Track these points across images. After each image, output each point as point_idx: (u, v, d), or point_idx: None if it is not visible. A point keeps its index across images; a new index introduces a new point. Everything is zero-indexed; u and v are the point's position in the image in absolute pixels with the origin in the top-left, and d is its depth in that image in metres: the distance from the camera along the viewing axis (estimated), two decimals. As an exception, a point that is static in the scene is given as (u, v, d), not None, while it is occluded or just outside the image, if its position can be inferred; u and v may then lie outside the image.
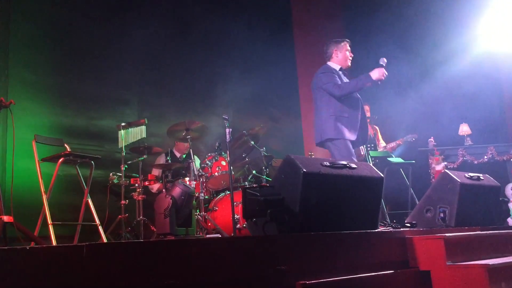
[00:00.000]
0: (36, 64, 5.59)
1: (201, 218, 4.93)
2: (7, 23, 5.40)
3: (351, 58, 4.60)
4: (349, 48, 4.61)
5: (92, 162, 4.36)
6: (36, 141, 4.21)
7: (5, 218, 3.20)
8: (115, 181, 5.05)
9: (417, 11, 7.31)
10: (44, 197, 4.01)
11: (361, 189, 3.02)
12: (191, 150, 5.27)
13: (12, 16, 5.44)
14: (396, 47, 6.67)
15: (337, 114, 4.37)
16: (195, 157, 5.56)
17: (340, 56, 4.57)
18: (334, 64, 4.59)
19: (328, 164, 2.89)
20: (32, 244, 3.37)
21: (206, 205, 5.17)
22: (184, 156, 5.99)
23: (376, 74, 4.28)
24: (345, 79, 4.53)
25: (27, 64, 5.50)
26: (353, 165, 3.02)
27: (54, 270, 1.63)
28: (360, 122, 4.43)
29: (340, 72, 4.54)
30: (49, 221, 3.89)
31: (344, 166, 2.96)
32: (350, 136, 4.34)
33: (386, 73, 4.30)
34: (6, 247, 2.33)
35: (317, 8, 8.43)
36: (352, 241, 2.58)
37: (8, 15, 5.41)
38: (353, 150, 4.32)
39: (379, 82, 4.30)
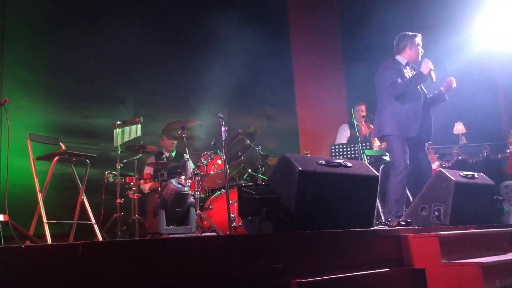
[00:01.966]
0: (31, 62, 5.57)
1: (196, 217, 4.92)
2: (1, 21, 5.37)
3: (421, 54, 4.52)
4: (420, 43, 4.53)
5: (88, 160, 4.36)
6: (31, 140, 4.20)
7: (0, 217, 3.19)
8: (111, 179, 5.04)
9: (411, 11, 7.32)
10: (39, 196, 4.00)
11: (356, 188, 3.03)
12: (187, 149, 5.26)
13: (6, 15, 5.41)
14: (390, 47, 6.67)
15: (395, 110, 4.35)
16: (185, 155, 5.57)
17: (413, 51, 4.51)
18: (402, 58, 4.53)
19: (323, 162, 2.90)
20: (27, 243, 3.36)
21: (202, 203, 5.17)
22: (173, 154, 5.97)
23: (426, 68, 4.25)
24: (410, 73, 4.47)
25: (22, 63, 5.48)
26: (349, 164, 3.03)
27: (50, 268, 1.63)
28: (423, 117, 4.36)
29: (408, 67, 4.48)
30: (44, 219, 3.88)
31: (340, 164, 2.97)
32: (408, 133, 4.30)
33: (431, 63, 4.27)
34: (1, 246, 2.33)
35: (313, 5, 8.44)
36: (347, 239, 2.59)
37: (2, 14, 5.38)
38: (403, 150, 4.27)
39: (432, 75, 4.25)
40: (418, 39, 4.54)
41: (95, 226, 4.26)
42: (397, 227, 3.34)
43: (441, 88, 4.53)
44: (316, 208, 2.80)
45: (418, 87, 4.38)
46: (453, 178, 3.66)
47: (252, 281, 2.11)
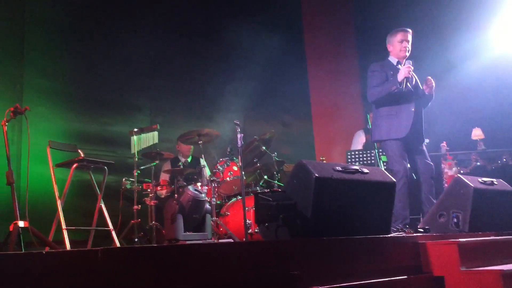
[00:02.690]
0: (51, 71, 5.66)
1: (213, 223, 4.94)
2: (22, 31, 5.48)
3: (405, 48, 4.36)
4: (402, 38, 4.38)
5: (106, 167, 4.40)
6: (50, 147, 4.26)
7: (21, 223, 3.24)
8: (128, 186, 5.08)
9: (427, 15, 7.28)
10: (58, 203, 4.05)
11: (373, 194, 3.01)
12: (202, 155, 5.29)
13: (26, 24, 5.52)
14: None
15: (385, 113, 4.31)
16: (201, 160, 5.59)
17: (393, 49, 4.43)
18: (392, 58, 4.46)
19: (340, 169, 2.89)
20: (47, 249, 3.41)
21: (218, 210, 5.18)
22: (189, 159, 5.99)
23: (401, 73, 4.18)
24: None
25: (41, 71, 5.57)
26: (365, 170, 3.01)
27: (69, 274, 1.65)
28: (415, 117, 4.26)
29: (401, 65, 4.36)
30: (63, 226, 3.93)
31: (356, 171, 2.96)
32: (398, 134, 4.23)
33: (412, 67, 4.19)
34: (22, 252, 2.36)
35: (328, 11, 8.44)
36: (364, 246, 2.58)
37: (23, 23, 5.49)
38: (401, 154, 4.20)
39: (406, 81, 4.17)
40: (401, 35, 4.38)
41: (113, 233, 4.30)
42: (415, 234, 3.31)
43: (423, 88, 4.41)
44: (332, 215, 2.79)
45: (409, 86, 4.25)
46: (471, 185, 3.62)
47: (268, 287, 2.11)
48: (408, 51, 4.40)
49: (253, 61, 7.31)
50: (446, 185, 6.08)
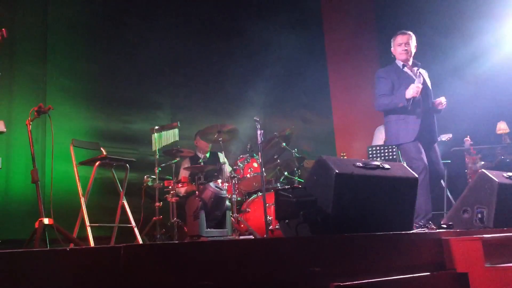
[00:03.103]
0: (73, 70, 5.75)
1: (233, 220, 4.96)
2: (45, 32, 5.58)
3: (403, 51, 4.41)
4: (401, 41, 4.43)
5: (127, 165, 4.45)
6: (73, 145, 4.33)
7: (46, 221, 3.30)
8: (149, 183, 5.14)
9: (449, 11, 7.15)
10: (82, 200, 4.11)
11: (395, 190, 2.98)
12: (223, 151, 5.31)
13: (49, 26, 5.62)
14: (425, 44, 6.54)
15: (393, 119, 4.36)
16: (220, 154, 5.59)
17: (395, 52, 4.49)
18: (398, 61, 4.50)
19: (361, 165, 2.87)
20: (71, 246, 3.47)
21: (239, 206, 5.19)
22: (208, 155, 6.01)
23: (410, 92, 4.19)
24: (409, 73, 4.41)
25: (64, 71, 5.66)
26: (387, 166, 2.98)
27: (94, 270, 1.68)
28: (423, 120, 4.26)
29: (406, 68, 4.41)
30: (87, 223, 3.99)
31: (377, 166, 2.93)
32: (406, 139, 4.26)
33: (421, 86, 4.20)
34: (47, 249, 2.41)
35: (348, 8, 8.36)
36: (386, 243, 2.55)
37: (46, 25, 5.59)
38: (417, 151, 4.19)
39: (413, 99, 4.19)
40: (399, 38, 4.44)
41: (135, 229, 4.35)
42: (438, 230, 3.27)
43: (435, 102, 4.43)
44: (353, 211, 2.78)
45: (417, 98, 4.24)
46: (496, 180, 3.55)
47: (290, 284, 2.11)
48: (409, 53, 4.44)
49: (273, 58, 7.30)
50: (470, 180, 5.98)
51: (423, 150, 4.22)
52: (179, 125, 5.24)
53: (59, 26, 5.71)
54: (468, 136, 6.46)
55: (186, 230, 5.10)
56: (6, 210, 4.83)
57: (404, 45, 4.41)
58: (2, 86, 4.96)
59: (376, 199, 2.89)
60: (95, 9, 6.11)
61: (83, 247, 3.01)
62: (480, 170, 3.85)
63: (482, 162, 6.26)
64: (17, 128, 4.86)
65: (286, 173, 5.56)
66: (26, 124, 3.51)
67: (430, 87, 4.47)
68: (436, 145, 4.44)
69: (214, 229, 5.00)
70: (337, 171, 2.68)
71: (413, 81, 4.26)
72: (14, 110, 5.09)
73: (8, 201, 4.90)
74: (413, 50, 4.47)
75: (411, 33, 4.48)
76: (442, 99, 4.38)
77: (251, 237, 4.72)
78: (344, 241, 2.39)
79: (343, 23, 8.30)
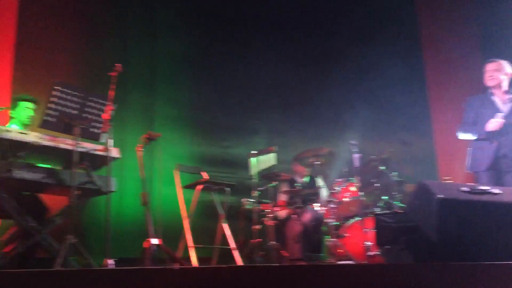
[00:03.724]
0: (178, 99, 6.19)
1: (331, 244, 4.89)
2: (154, 64, 6.07)
3: (488, 78, 4.48)
4: (486, 68, 4.51)
5: (228, 188, 4.62)
6: (177, 170, 4.59)
7: (155, 241, 3.52)
8: (248, 206, 5.26)
9: None
10: (186, 222, 4.33)
11: (506, 216, 2.78)
12: (321, 176, 5.30)
13: (158, 58, 6.11)
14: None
15: (473, 144, 4.45)
16: (318, 179, 5.57)
17: (484, 79, 4.54)
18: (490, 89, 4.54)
19: (466, 189, 2.73)
20: (177, 265, 3.66)
21: (336, 231, 5.12)
22: (306, 179, 6.01)
23: (489, 126, 4.25)
24: (497, 101, 4.43)
25: (170, 100, 6.11)
26: (496, 191, 2.81)
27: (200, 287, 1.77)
28: (500, 146, 4.24)
29: (493, 97, 4.46)
30: (190, 244, 4.19)
31: (485, 191, 2.77)
32: (476, 168, 4.36)
33: (502, 120, 4.21)
34: (159, 267, 2.58)
35: (448, 24, 8.02)
36: (498, 273, 2.39)
37: (156, 57, 6.09)
38: (488, 181, 4.20)
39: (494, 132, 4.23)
40: (487, 65, 4.50)
41: (234, 251, 4.47)
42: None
43: None
44: (460, 238, 2.64)
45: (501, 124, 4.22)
46: None
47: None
48: (497, 81, 4.43)
49: (369, 79, 7.21)
50: None
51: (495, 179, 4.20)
52: (276, 149, 5.34)
53: (167, 59, 6.20)
54: None
55: (283, 253, 5.13)
56: (120, 230, 5.21)
57: (491, 72, 4.45)
58: (116, 116, 5.44)
59: (484, 226, 2.72)
60: (200, 43, 6.56)
61: (191, 266, 3.17)
62: None
63: None
64: (129, 153, 5.26)
65: (385, 197, 5.40)
66: (137, 150, 3.81)
67: None
68: None
69: (311, 253, 4.98)
70: (440, 195, 2.58)
71: (497, 110, 4.31)
72: (126, 136, 5.52)
73: (121, 222, 5.29)
74: (505, 77, 4.44)
75: (501, 61, 4.48)
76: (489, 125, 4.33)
77: (351, 262, 4.63)
78: (451, 269, 2.27)
79: (444, 41, 7.97)
